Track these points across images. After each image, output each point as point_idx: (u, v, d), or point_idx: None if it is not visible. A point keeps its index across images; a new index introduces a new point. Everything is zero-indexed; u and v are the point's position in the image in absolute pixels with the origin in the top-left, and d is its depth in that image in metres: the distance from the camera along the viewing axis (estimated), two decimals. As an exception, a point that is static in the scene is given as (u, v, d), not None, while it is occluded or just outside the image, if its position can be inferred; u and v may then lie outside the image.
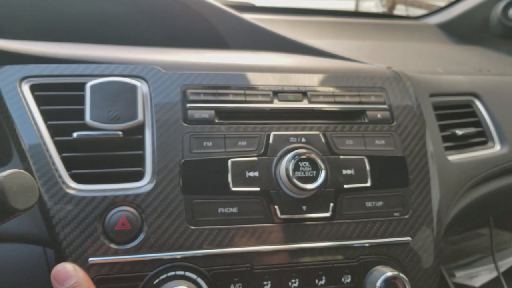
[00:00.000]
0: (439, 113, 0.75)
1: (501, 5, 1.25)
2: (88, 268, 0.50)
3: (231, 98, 0.60)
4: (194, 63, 0.64)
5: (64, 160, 0.54)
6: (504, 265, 0.95)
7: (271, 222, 0.55)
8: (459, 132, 0.75)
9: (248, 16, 1.28)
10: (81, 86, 0.56)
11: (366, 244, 0.58)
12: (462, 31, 1.33)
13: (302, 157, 0.55)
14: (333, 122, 0.62)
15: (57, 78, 0.57)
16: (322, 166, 0.55)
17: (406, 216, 0.60)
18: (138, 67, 0.59)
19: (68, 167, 0.54)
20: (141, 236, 0.52)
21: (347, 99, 0.63)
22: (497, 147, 0.80)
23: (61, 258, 0.51)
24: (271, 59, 0.76)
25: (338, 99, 0.63)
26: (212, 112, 0.58)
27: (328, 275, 0.56)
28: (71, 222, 0.51)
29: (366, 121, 0.63)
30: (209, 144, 0.56)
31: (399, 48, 1.10)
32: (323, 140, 0.60)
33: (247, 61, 0.72)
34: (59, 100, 0.56)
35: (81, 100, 0.55)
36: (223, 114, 0.59)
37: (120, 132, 0.54)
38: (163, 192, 0.53)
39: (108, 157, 0.55)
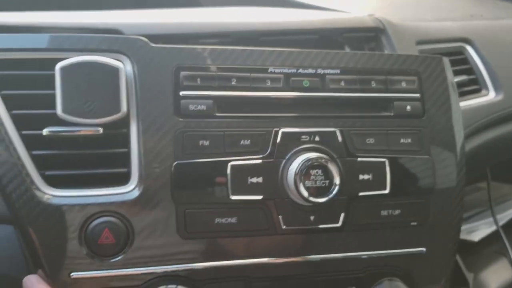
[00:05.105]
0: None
1: None
2: (70, 281, 0.45)
3: (234, 83, 0.49)
4: (182, 24, 0.57)
5: (35, 160, 0.45)
6: (503, 218, 0.92)
7: (273, 233, 0.48)
8: (450, 80, 0.70)
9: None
10: (50, 64, 0.45)
11: (375, 255, 0.52)
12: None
13: (314, 163, 0.47)
14: (353, 114, 0.52)
15: (21, 53, 0.47)
16: (337, 178, 0.47)
17: (424, 226, 0.53)
18: (120, 38, 0.48)
19: (40, 168, 0.45)
20: (128, 249, 0.45)
21: (373, 85, 0.53)
22: (491, 94, 0.75)
23: (40, 266, 0.46)
24: (252, 16, 0.70)
25: (362, 85, 0.52)
26: (210, 102, 0.48)
27: (332, 287, 0.51)
28: (48, 234, 0.44)
29: (392, 114, 0.53)
30: (206, 143, 0.47)
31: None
32: (339, 138, 0.50)
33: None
34: (23, 83, 0.47)
35: (49, 83, 0.45)
36: (223, 105, 0.49)
37: (100, 129, 0.45)
38: (152, 200, 0.46)
39: (87, 156, 0.47)
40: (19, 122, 0.46)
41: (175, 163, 0.46)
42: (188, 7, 0.77)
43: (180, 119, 0.47)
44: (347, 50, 0.69)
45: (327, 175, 0.47)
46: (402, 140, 0.53)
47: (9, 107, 0.46)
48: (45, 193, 0.45)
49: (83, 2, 0.75)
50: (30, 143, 0.45)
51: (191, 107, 0.48)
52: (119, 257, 0.45)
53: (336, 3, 0.76)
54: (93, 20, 0.60)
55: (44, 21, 0.56)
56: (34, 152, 0.45)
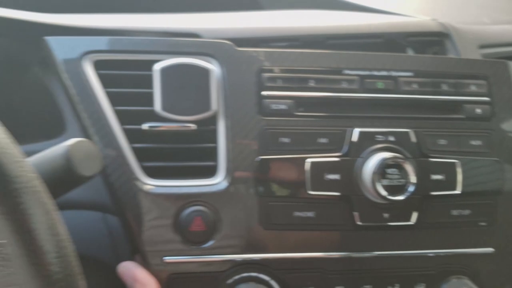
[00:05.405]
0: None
1: None
2: (163, 265, 0.49)
3: (312, 84, 0.52)
4: (253, 29, 0.60)
5: (135, 152, 0.49)
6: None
7: (349, 229, 0.51)
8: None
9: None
10: (148, 65, 0.50)
11: (445, 254, 0.54)
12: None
13: (391, 162, 0.49)
14: (425, 116, 0.54)
15: (123, 54, 0.51)
16: (413, 177, 0.49)
17: (493, 226, 0.55)
18: (209, 42, 0.53)
19: (139, 160, 0.50)
20: (216, 237, 0.49)
21: (444, 88, 0.55)
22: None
23: (135, 250, 0.50)
24: (317, 19, 0.72)
25: (434, 87, 0.55)
26: (291, 102, 0.51)
27: (402, 282, 0.53)
28: (146, 220, 0.48)
29: (462, 116, 0.55)
30: (286, 140, 0.51)
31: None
32: (413, 139, 0.53)
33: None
34: (125, 81, 0.51)
35: (147, 83, 0.50)
36: (302, 105, 0.52)
37: (193, 125, 0.50)
38: (238, 192, 0.50)
39: (179, 150, 0.51)
40: (121, 118, 0.50)
41: (258, 158, 0.50)
42: (250, 9, 0.80)
43: (263, 118, 0.51)
44: (411, 53, 0.70)
45: (403, 174, 0.49)
46: (472, 142, 0.55)
47: (113, 104, 0.50)
48: (144, 183, 0.49)
49: (147, 5, 0.78)
50: (131, 136, 0.50)
51: (273, 106, 0.51)
52: (209, 244, 0.49)
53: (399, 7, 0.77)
54: (164, 24, 0.62)
55: (127, 26, 0.59)
56: (134, 145, 0.49)
